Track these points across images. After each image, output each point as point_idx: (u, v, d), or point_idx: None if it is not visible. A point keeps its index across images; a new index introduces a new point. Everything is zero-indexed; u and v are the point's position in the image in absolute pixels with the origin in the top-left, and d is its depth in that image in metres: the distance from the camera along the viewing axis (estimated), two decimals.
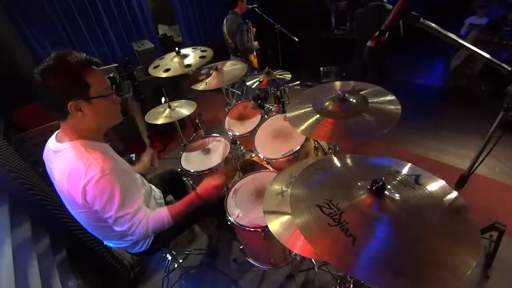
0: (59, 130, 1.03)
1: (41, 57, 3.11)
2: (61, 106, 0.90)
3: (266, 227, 1.12)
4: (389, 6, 2.31)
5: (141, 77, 3.34)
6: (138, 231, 1.03)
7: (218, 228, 2.12)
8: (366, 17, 2.55)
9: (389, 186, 0.77)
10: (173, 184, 1.73)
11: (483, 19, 3.55)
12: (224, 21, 3.03)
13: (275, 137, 1.74)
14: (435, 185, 0.80)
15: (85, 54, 0.92)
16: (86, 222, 1.08)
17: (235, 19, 2.88)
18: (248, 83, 2.13)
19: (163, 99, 1.99)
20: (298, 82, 2.29)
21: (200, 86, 1.96)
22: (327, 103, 1.17)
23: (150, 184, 1.40)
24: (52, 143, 1.00)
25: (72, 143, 0.95)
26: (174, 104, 1.98)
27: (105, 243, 1.29)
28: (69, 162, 0.92)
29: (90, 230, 1.14)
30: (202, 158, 1.86)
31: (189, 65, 1.87)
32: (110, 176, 0.92)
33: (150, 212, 1.09)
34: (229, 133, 2.04)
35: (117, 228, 1.01)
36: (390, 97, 1.11)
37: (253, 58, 3.19)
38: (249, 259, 1.62)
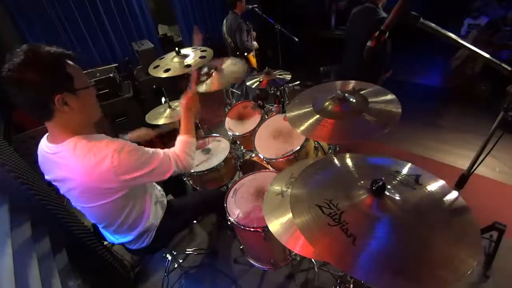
0: (47, 134, 0.99)
1: None
2: (46, 102, 0.83)
3: (266, 227, 1.12)
4: (382, 13, 2.29)
5: (141, 77, 3.34)
6: (182, 162, 1.14)
7: (218, 228, 2.12)
8: (357, 17, 2.55)
9: (389, 186, 0.77)
10: (173, 183, 1.73)
11: (483, 19, 3.55)
12: (224, 21, 3.04)
13: (275, 137, 1.74)
14: (435, 185, 0.80)
15: (55, 46, 0.86)
16: (108, 213, 1.07)
17: (235, 18, 2.89)
18: (248, 83, 2.13)
19: (163, 99, 1.99)
20: (298, 82, 2.29)
21: (201, 89, 1.96)
22: (327, 103, 1.17)
23: (154, 183, 1.40)
24: (46, 146, 0.96)
25: (72, 139, 0.91)
26: (175, 104, 1.98)
27: (109, 240, 1.29)
28: (82, 155, 0.89)
29: (106, 221, 1.13)
30: (202, 158, 1.86)
31: (189, 65, 1.87)
32: (127, 146, 0.94)
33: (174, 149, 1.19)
34: (229, 133, 2.04)
35: (166, 175, 1.09)
36: (390, 97, 1.11)
37: (252, 58, 3.19)
38: (249, 259, 1.62)
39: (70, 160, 0.91)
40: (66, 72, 0.85)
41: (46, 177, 1.05)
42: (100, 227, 1.22)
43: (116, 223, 1.14)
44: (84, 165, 0.89)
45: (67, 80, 0.85)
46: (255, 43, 3.13)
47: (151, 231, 1.28)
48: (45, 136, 1.00)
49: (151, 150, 1.06)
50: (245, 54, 3.08)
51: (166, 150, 1.13)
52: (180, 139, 1.23)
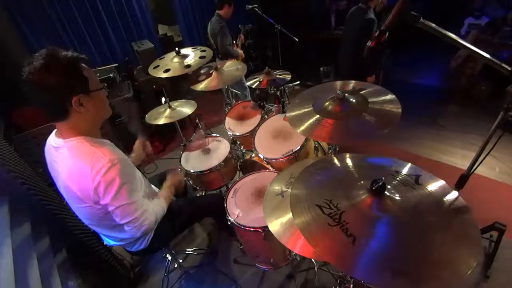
0: (56, 130, 1.02)
1: None
2: (63, 104, 0.88)
3: (266, 227, 1.12)
4: (371, 14, 2.35)
5: (141, 77, 3.34)
6: (148, 219, 1.07)
7: (218, 228, 2.12)
8: (349, 17, 2.60)
9: (389, 186, 0.77)
10: None
11: (483, 19, 3.55)
12: (209, 23, 3.04)
13: (275, 137, 1.74)
14: (435, 185, 0.80)
15: (70, 51, 0.90)
16: (91, 217, 1.07)
17: (218, 21, 2.90)
18: (248, 83, 2.13)
19: (163, 99, 1.99)
20: (298, 82, 2.29)
21: (200, 87, 1.96)
22: (327, 103, 1.17)
23: (151, 184, 1.40)
24: (53, 140, 0.99)
25: (76, 139, 0.94)
26: (175, 104, 1.99)
27: (105, 242, 1.29)
28: (76, 157, 0.92)
29: (94, 226, 1.14)
30: (202, 158, 1.86)
31: (189, 65, 1.87)
32: (118, 166, 0.93)
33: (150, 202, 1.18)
34: (229, 133, 2.04)
35: (124, 219, 1.01)
36: (390, 97, 1.11)
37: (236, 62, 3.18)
38: (249, 259, 1.62)
39: (67, 157, 0.94)
40: (82, 74, 0.90)
41: (48, 166, 1.07)
42: (93, 228, 1.20)
43: (106, 227, 1.14)
44: (75, 166, 0.92)
45: (83, 82, 0.91)
46: (241, 52, 3.11)
47: (147, 234, 1.27)
48: (54, 131, 1.03)
49: (140, 194, 1.07)
50: (228, 58, 3.05)
51: (146, 201, 1.13)
52: (157, 202, 1.22)
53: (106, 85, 1.04)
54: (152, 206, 1.14)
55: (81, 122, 0.96)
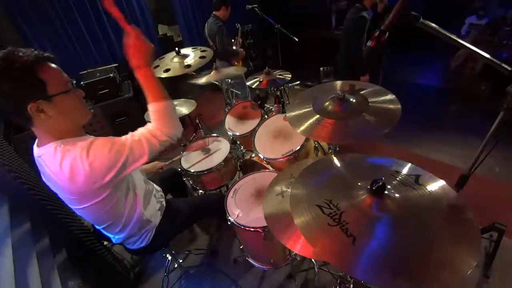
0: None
1: None
2: (21, 111, 0.81)
3: (266, 227, 1.12)
4: (363, 13, 2.36)
5: None
6: (159, 135, 0.99)
7: (218, 228, 2.12)
8: (346, 17, 2.62)
9: (389, 186, 0.77)
10: (173, 183, 1.74)
11: (483, 19, 3.55)
12: (206, 24, 3.03)
13: (275, 137, 1.74)
14: (435, 185, 0.80)
15: (33, 50, 0.83)
16: (99, 212, 1.04)
17: (215, 21, 2.89)
18: (248, 83, 2.13)
19: None
20: (298, 82, 2.29)
21: (201, 80, 1.96)
22: (327, 103, 1.17)
23: (152, 183, 1.40)
24: (35, 148, 0.95)
25: (52, 144, 0.89)
26: (174, 103, 1.98)
27: (112, 240, 1.29)
28: (57, 163, 0.87)
29: (101, 221, 1.12)
30: (202, 158, 1.86)
31: (189, 65, 1.87)
32: (95, 140, 0.90)
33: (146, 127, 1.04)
34: (229, 133, 2.04)
35: (143, 157, 0.96)
36: (390, 97, 1.11)
37: (237, 63, 3.18)
38: (249, 259, 1.62)
39: (51, 165, 0.89)
40: (38, 78, 0.81)
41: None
42: (96, 227, 1.20)
43: (110, 221, 1.13)
44: (61, 173, 0.87)
45: (39, 88, 0.81)
46: (241, 50, 3.12)
47: (149, 230, 1.28)
48: (37, 140, 0.98)
49: (119, 140, 0.96)
50: (229, 59, 3.03)
51: (136, 132, 1.01)
52: (151, 109, 1.04)
53: (75, 85, 0.91)
54: (152, 125, 1.02)
55: (50, 128, 0.89)
